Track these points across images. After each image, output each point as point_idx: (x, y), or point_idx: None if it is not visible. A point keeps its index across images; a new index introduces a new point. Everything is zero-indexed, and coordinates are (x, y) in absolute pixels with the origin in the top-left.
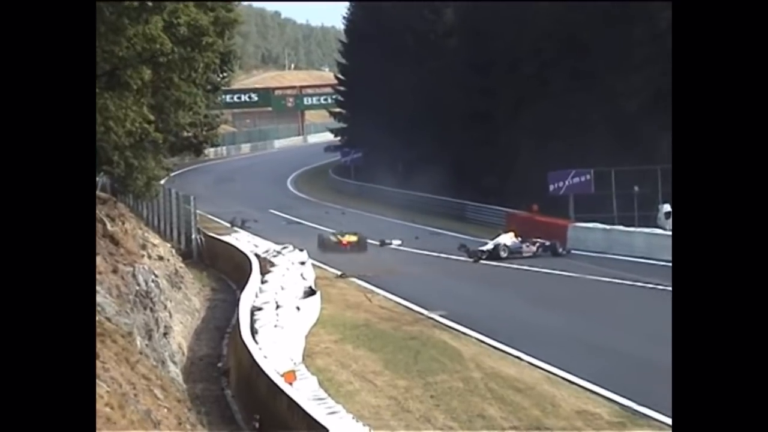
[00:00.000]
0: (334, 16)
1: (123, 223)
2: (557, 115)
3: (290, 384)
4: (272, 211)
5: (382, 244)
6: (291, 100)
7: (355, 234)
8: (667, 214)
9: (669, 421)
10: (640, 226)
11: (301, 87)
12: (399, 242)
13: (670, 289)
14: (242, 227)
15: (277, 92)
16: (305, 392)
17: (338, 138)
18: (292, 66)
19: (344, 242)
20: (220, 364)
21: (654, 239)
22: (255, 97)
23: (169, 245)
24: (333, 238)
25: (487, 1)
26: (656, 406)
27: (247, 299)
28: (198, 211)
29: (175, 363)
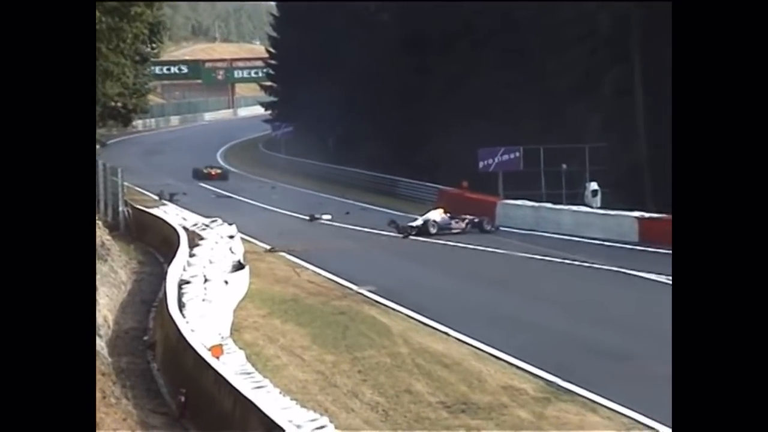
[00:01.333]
0: None
1: None
2: (489, 92)
3: (217, 358)
4: (201, 184)
5: (312, 218)
6: (221, 72)
7: (220, 168)
8: (593, 192)
9: (591, 396)
10: (567, 203)
11: (232, 60)
12: (329, 217)
13: (596, 265)
14: (170, 200)
15: (207, 65)
16: (232, 366)
17: (269, 112)
18: (219, 39)
19: (213, 173)
20: (146, 338)
21: (581, 217)
22: (185, 69)
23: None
24: (204, 170)
25: None
26: (580, 381)
27: (174, 273)
28: (125, 183)
29: (100, 336)
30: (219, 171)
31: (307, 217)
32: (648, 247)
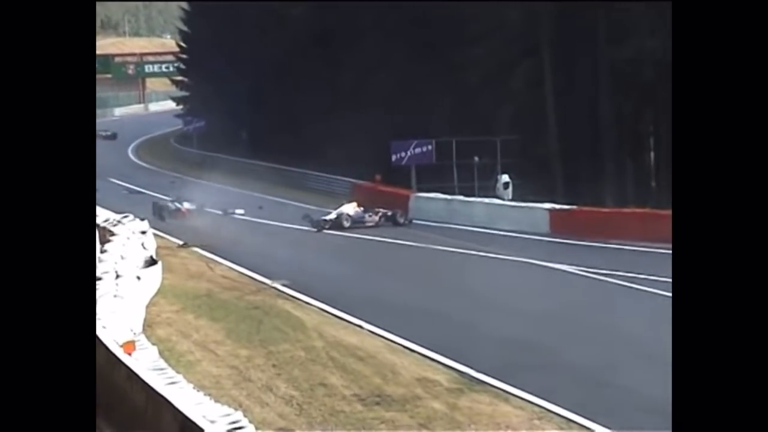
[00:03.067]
0: None
1: None
2: (400, 86)
3: (129, 354)
4: (112, 179)
5: (225, 213)
6: (131, 67)
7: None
8: (505, 184)
9: (504, 386)
10: (479, 196)
11: (142, 54)
12: (242, 212)
13: (508, 257)
14: None
15: (117, 59)
16: (145, 362)
17: (180, 106)
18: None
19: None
20: None
21: (493, 209)
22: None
23: None
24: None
25: None
26: (493, 372)
27: None
28: None
29: None
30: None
31: (220, 212)
32: (559, 238)
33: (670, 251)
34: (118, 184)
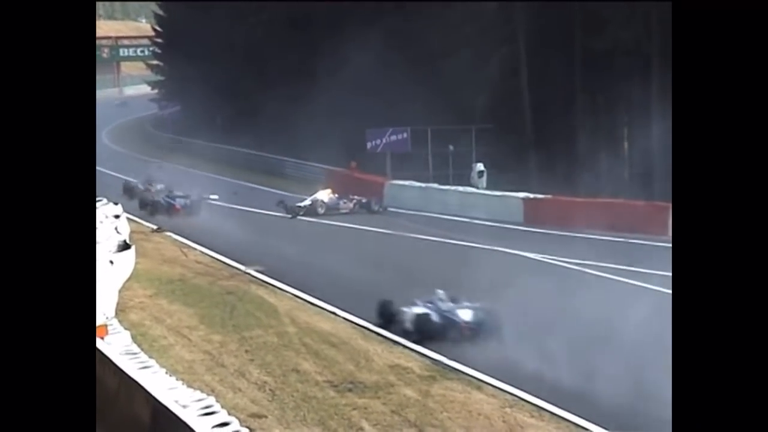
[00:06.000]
0: None
1: None
2: (377, 72)
3: (102, 339)
4: None
5: (199, 198)
6: (106, 51)
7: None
8: (479, 173)
9: (476, 374)
10: (454, 184)
11: (117, 38)
12: (216, 197)
13: (481, 245)
14: None
15: None
16: (117, 347)
17: (155, 91)
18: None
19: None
20: None
21: (467, 197)
22: None
23: None
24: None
25: None
26: (465, 360)
27: None
28: None
29: None
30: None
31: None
32: (532, 227)
33: (642, 241)
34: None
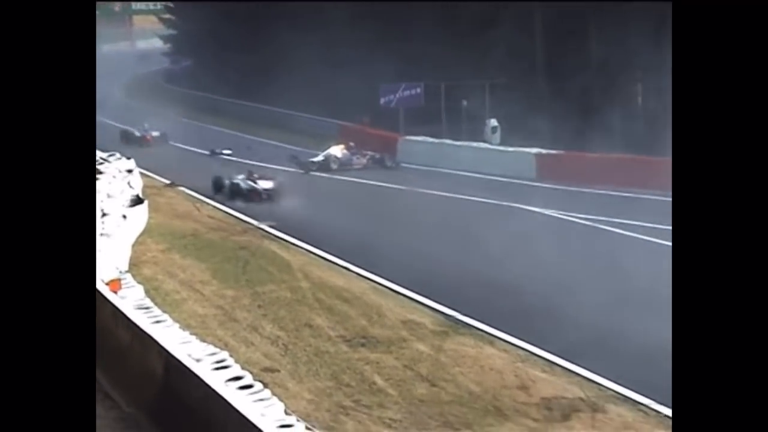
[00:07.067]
0: None
1: None
2: (388, 27)
3: (115, 292)
4: (101, 118)
5: (213, 153)
6: (118, 5)
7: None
8: (493, 128)
9: (489, 329)
10: (467, 140)
11: None
12: (230, 152)
13: (494, 201)
14: None
15: None
16: (130, 301)
17: (168, 45)
18: None
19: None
20: None
21: (480, 153)
22: None
23: None
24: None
25: None
26: (478, 316)
27: None
28: None
29: None
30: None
31: (208, 152)
32: (545, 183)
33: (655, 197)
34: (106, 122)
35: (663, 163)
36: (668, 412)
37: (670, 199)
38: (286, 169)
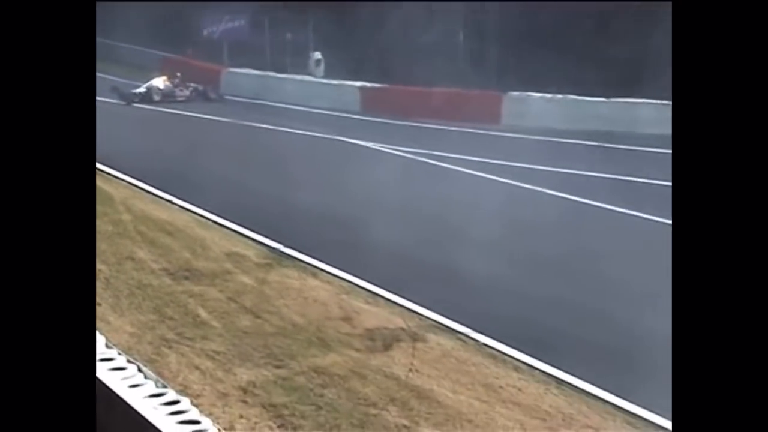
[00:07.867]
0: None
1: None
2: None
3: None
4: None
5: None
6: None
7: None
8: (317, 61)
9: (313, 261)
10: (292, 73)
11: None
12: None
13: (317, 134)
14: None
15: None
16: None
17: None
18: None
19: None
20: None
21: (305, 86)
22: None
23: None
24: None
25: None
26: (302, 248)
27: None
28: None
29: None
30: None
31: None
32: (369, 116)
33: (478, 130)
34: None
35: (482, 96)
36: (484, 339)
37: (486, 131)
38: (107, 100)
